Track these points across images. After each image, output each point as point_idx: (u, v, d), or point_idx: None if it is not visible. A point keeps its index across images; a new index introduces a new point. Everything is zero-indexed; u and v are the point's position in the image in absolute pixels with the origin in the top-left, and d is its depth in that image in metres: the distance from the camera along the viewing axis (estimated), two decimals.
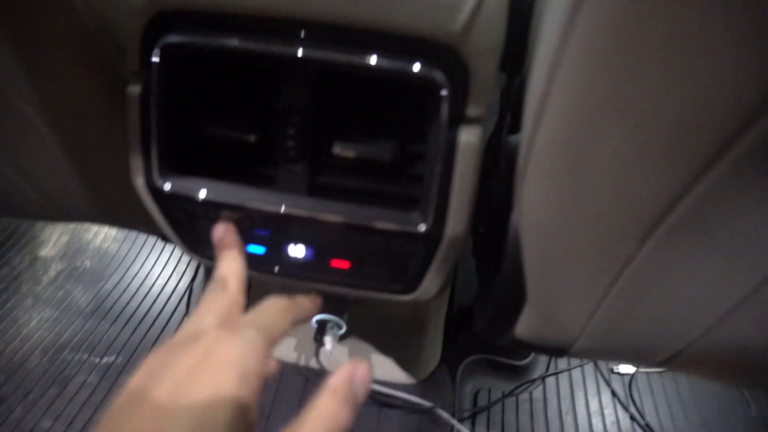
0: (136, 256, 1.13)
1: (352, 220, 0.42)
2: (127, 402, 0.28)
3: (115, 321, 1.02)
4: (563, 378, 1.01)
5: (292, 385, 0.71)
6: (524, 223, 0.40)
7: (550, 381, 1.00)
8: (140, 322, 1.02)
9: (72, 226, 1.17)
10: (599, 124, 0.29)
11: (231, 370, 0.29)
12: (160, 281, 1.10)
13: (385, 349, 0.73)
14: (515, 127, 0.45)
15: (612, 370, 1.02)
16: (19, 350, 0.97)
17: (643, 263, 0.34)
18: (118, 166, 0.51)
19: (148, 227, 0.64)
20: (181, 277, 1.10)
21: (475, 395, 0.96)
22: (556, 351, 0.54)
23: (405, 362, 0.72)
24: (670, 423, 0.95)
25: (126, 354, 0.98)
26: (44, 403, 0.90)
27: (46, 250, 1.13)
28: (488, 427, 0.92)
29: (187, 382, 0.28)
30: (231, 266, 0.38)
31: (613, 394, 0.99)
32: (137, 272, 1.11)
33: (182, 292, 1.08)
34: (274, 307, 0.35)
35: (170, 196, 0.43)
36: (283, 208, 0.42)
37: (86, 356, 0.97)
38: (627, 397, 0.99)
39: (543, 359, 1.03)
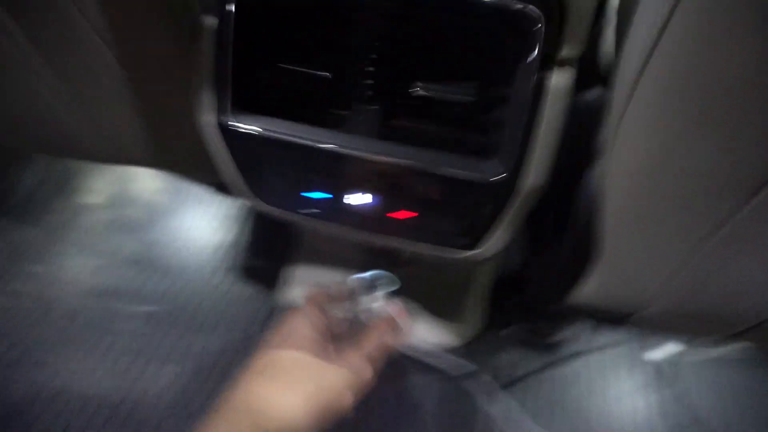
0: (182, 210, 1.13)
1: (426, 166, 0.40)
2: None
3: (157, 271, 1.03)
4: (602, 355, 0.98)
5: None
6: (611, 177, 0.37)
7: (589, 357, 0.98)
8: (182, 273, 1.03)
9: (116, 175, 1.18)
10: (723, 63, 0.26)
11: None
12: (205, 234, 1.10)
13: (430, 310, 0.71)
14: (584, 82, 0.42)
15: (647, 352, 0.99)
16: (63, 295, 0.99)
17: (740, 223, 0.32)
18: (179, 108, 0.50)
19: (203, 175, 0.63)
20: (227, 233, 1.10)
21: (511, 366, 0.95)
22: (619, 318, 0.52)
23: (450, 325, 0.71)
24: (719, 414, 0.92)
25: (167, 304, 0.99)
26: (87, 348, 0.92)
27: (91, 199, 1.14)
28: (525, 397, 0.91)
29: None
30: None
31: (655, 382, 0.96)
32: (181, 224, 1.11)
33: (226, 247, 1.08)
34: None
35: (240, 134, 0.42)
36: (353, 151, 0.40)
37: (128, 305, 0.98)
38: (670, 382, 0.95)
39: (579, 335, 1.00)
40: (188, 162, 0.59)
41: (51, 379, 0.88)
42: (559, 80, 0.36)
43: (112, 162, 0.62)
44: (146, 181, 1.18)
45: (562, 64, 0.36)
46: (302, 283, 0.76)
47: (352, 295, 0.49)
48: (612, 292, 0.44)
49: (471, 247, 0.46)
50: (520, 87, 0.36)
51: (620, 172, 0.37)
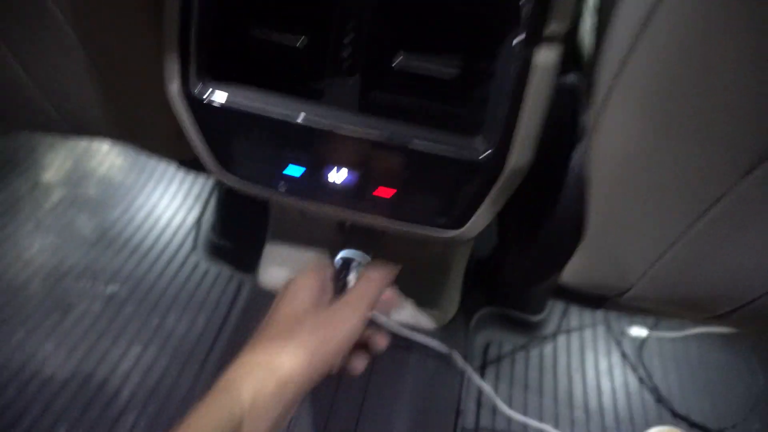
0: (143, 187, 1.09)
1: (407, 142, 0.38)
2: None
3: (119, 251, 0.99)
4: (574, 336, 1.00)
5: None
6: (597, 156, 0.37)
7: (561, 338, 0.99)
8: (146, 254, 0.99)
9: (76, 151, 1.12)
10: (714, 42, 0.25)
11: None
12: (168, 214, 1.06)
13: (407, 292, 0.70)
14: (566, 64, 0.41)
15: (623, 332, 1.02)
16: (20, 275, 0.94)
17: (726, 208, 0.31)
18: (141, 78, 0.47)
19: (167, 149, 0.60)
20: (189, 212, 1.06)
21: (486, 347, 0.95)
22: (600, 299, 0.52)
23: (426, 307, 0.70)
24: (677, 387, 0.95)
25: (130, 284, 0.95)
26: (46, 328, 0.88)
27: (49, 176, 1.09)
28: (497, 379, 0.92)
29: None
30: None
31: (623, 355, 0.98)
32: (143, 204, 1.07)
33: (189, 227, 1.04)
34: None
35: (207, 104, 0.39)
36: (330, 124, 0.38)
37: (89, 285, 0.94)
38: (637, 359, 0.98)
39: (555, 316, 1.01)
40: (151, 135, 0.56)
41: (8, 360, 0.84)
42: (546, 56, 0.35)
43: (74, 134, 0.58)
44: (105, 158, 1.13)
45: (549, 40, 0.35)
46: (277, 262, 0.74)
47: (338, 276, 0.50)
48: (594, 274, 0.44)
49: (454, 226, 0.44)
50: (507, 62, 0.35)
51: (604, 155, 0.36)
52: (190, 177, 1.10)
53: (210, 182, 1.09)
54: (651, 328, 1.01)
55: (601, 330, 1.01)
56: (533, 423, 0.85)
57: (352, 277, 0.56)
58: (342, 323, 0.41)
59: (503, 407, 0.84)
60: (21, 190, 1.05)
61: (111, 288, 0.94)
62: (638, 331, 1.01)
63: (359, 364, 0.47)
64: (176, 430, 0.34)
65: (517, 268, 0.56)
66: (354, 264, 0.56)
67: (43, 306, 0.91)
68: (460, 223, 0.44)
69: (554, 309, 1.02)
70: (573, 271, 0.45)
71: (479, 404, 0.86)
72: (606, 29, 0.34)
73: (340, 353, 0.41)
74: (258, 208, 0.98)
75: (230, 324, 0.91)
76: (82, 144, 1.13)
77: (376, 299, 0.45)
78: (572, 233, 0.42)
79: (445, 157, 0.38)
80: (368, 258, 0.53)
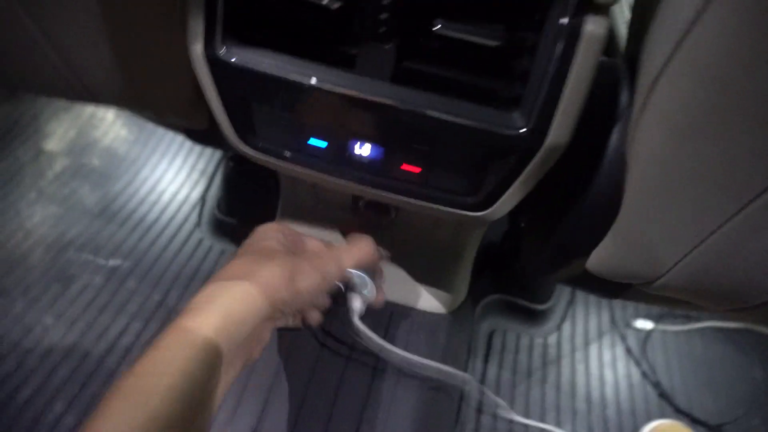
0: (148, 160, 1.07)
1: (442, 115, 0.36)
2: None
3: (123, 224, 0.97)
4: (579, 327, 0.99)
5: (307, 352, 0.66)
6: (639, 140, 0.35)
7: (566, 328, 0.99)
8: (149, 228, 0.98)
9: (80, 121, 1.10)
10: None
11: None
12: (172, 188, 1.04)
13: (415, 275, 0.69)
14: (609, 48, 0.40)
15: (628, 323, 1.01)
16: (21, 245, 0.92)
17: None
18: (160, 43, 0.45)
19: (180, 118, 0.58)
20: (194, 187, 1.05)
21: (490, 335, 0.95)
22: (619, 288, 0.51)
23: (436, 291, 0.69)
24: (679, 381, 0.95)
25: (133, 258, 0.94)
26: (47, 301, 0.87)
27: (52, 144, 1.07)
28: (500, 367, 0.91)
29: None
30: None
31: (628, 350, 0.98)
32: (148, 177, 1.05)
33: (194, 202, 1.03)
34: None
35: (231, 68, 0.38)
36: (360, 93, 0.37)
37: (91, 257, 0.93)
38: (641, 352, 0.97)
39: (561, 306, 1.01)
40: (166, 103, 0.55)
41: (8, 331, 0.83)
42: (595, 26, 0.33)
43: (87, 100, 0.57)
44: (110, 129, 1.11)
45: (598, 10, 0.34)
46: None
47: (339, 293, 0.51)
48: (622, 261, 0.43)
49: (479, 207, 0.43)
50: (553, 32, 0.33)
51: (647, 139, 0.35)
52: (196, 151, 1.08)
53: (216, 157, 1.07)
54: (656, 321, 1.01)
55: (605, 321, 1.01)
56: (534, 423, 0.84)
57: (354, 299, 0.53)
58: (322, 264, 0.44)
59: (505, 412, 0.84)
60: (23, 158, 1.03)
61: (113, 261, 0.93)
62: (643, 324, 1.01)
63: (317, 316, 0.50)
64: (132, 367, 0.33)
65: (537, 253, 0.55)
66: (356, 282, 0.53)
67: (44, 278, 0.89)
68: (486, 204, 0.43)
69: (560, 299, 1.01)
70: (599, 258, 0.44)
71: (481, 401, 0.85)
72: (653, 15, 0.33)
73: (313, 292, 0.42)
74: (264, 185, 0.96)
75: None
76: (86, 113, 1.11)
77: (357, 263, 0.48)
78: (604, 217, 0.41)
79: (480, 132, 0.36)
80: (367, 279, 0.51)
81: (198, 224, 1.00)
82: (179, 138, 1.09)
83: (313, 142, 0.41)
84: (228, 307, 0.36)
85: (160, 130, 1.10)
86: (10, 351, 0.81)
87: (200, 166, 1.07)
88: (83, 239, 0.95)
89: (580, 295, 1.04)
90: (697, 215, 0.34)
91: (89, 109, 1.11)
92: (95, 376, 0.80)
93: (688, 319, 1.02)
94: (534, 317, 0.97)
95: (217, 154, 1.07)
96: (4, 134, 1.06)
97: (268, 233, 0.47)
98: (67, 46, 0.46)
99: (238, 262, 0.41)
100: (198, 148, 1.08)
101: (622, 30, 0.48)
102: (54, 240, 0.94)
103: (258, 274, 0.38)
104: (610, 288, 0.52)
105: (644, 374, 0.95)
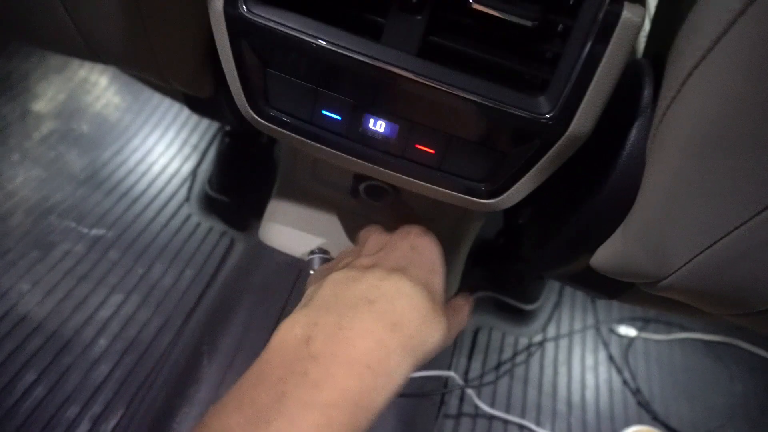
0: (139, 130, 1.04)
1: (466, 93, 0.35)
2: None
3: (109, 193, 0.94)
4: (564, 329, 1.00)
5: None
6: (662, 137, 0.34)
7: (551, 330, 0.99)
8: (136, 199, 0.95)
9: (71, 84, 1.06)
10: None
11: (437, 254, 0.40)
12: (162, 161, 1.01)
13: None
14: None
15: (611, 329, 1.01)
16: (1, 206, 0.89)
17: None
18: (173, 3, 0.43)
19: (183, 83, 0.56)
20: (185, 161, 1.02)
21: (476, 333, 0.94)
22: (619, 287, 0.50)
23: None
24: (659, 389, 0.96)
25: (117, 229, 0.91)
26: (24, 266, 0.84)
27: (40, 105, 1.03)
28: (484, 364, 0.91)
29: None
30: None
31: (610, 356, 0.98)
32: (138, 146, 1.02)
33: (184, 176, 1.00)
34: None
35: (252, 26, 0.36)
36: (384, 65, 0.35)
37: (74, 225, 0.90)
38: (623, 359, 0.98)
39: (547, 307, 1.01)
40: (173, 66, 0.53)
41: None
42: (631, 15, 0.33)
43: (85, 57, 0.54)
44: (103, 95, 1.07)
45: None
46: (281, 219, 0.70)
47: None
48: (631, 259, 0.42)
49: (491, 195, 0.42)
50: (589, 16, 0.32)
51: (670, 137, 0.34)
52: (189, 125, 1.05)
53: (209, 133, 1.05)
54: (639, 329, 1.02)
55: (589, 325, 1.01)
56: (514, 419, 0.84)
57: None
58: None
59: (483, 406, 0.84)
60: (10, 117, 0.99)
61: (96, 231, 0.90)
62: (626, 330, 1.01)
63: None
64: None
65: (539, 248, 0.54)
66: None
67: (22, 241, 0.86)
68: (498, 192, 0.42)
69: (547, 300, 1.01)
70: (605, 254, 0.43)
71: (462, 399, 0.85)
72: (685, 13, 0.32)
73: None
74: (259, 163, 0.94)
75: (218, 281, 0.88)
76: (78, 77, 1.07)
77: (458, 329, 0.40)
78: (616, 213, 0.40)
79: (503, 114, 0.35)
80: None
81: (187, 199, 0.97)
82: (173, 109, 1.06)
83: (328, 114, 0.40)
84: None
85: (154, 100, 1.07)
86: None
87: (193, 140, 1.04)
88: (66, 205, 0.91)
89: (567, 297, 1.04)
90: (713, 217, 0.34)
91: (82, 73, 1.08)
92: (70, 347, 0.78)
93: (671, 328, 1.03)
94: (521, 317, 0.97)
95: (211, 129, 1.05)
96: None
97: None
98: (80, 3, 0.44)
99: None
100: (191, 121, 1.05)
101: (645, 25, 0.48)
102: (36, 204, 0.91)
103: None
104: (610, 287, 0.52)
105: (625, 381, 0.95)
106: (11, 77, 1.03)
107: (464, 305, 0.42)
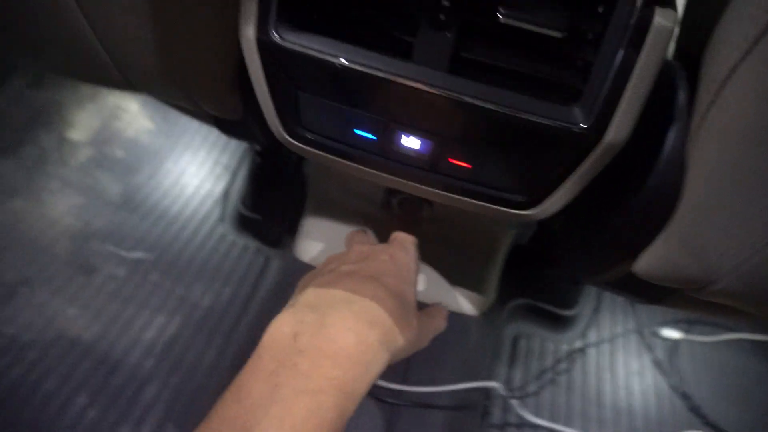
0: (171, 153, 1.06)
1: (500, 107, 0.35)
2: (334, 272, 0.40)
3: (146, 216, 0.96)
4: (605, 334, 0.98)
5: None
6: (703, 140, 0.34)
7: (592, 335, 0.97)
8: (172, 221, 0.97)
9: (104, 111, 1.09)
10: None
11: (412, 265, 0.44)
12: (195, 182, 1.03)
13: (446, 275, 0.68)
14: None
15: (655, 333, 0.99)
16: (45, 234, 0.92)
17: None
18: (203, 28, 0.44)
19: (214, 107, 0.57)
20: (217, 181, 1.04)
21: (515, 341, 0.93)
22: (666, 292, 0.49)
23: (466, 292, 0.68)
24: (707, 393, 0.93)
25: (156, 251, 0.93)
26: (70, 291, 0.86)
27: (76, 134, 1.06)
28: (526, 374, 0.90)
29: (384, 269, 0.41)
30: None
31: (655, 360, 0.95)
32: (171, 169, 1.04)
33: (217, 196, 1.02)
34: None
35: (284, 52, 0.36)
36: (417, 83, 0.35)
37: (115, 248, 0.92)
38: (669, 362, 0.95)
39: (586, 312, 0.99)
40: (203, 90, 0.53)
41: (32, 321, 0.82)
42: (665, 20, 0.32)
43: (119, 87, 0.55)
44: (134, 120, 1.10)
45: (668, 2, 0.32)
46: (315, 236, 0.71)
47: None
48: (676, 265, 0.41)
49: (528, 206, 0.41)
50: (620, 23, 0.32)
51: (712, 140, 0.33)
52: (219, 145, 1.07)
53: (239, 152, 1.06)
54: (684, 330, 0.99)
55: (631, 329, 0.99)
56: (559, 428, 0.83)
57: None
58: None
59: (527, 416, 0.83)
60: (47, 146, 1.02)
61: (136, 254, 0.92)
62: (670, 333, 0.99)
63: None
64: None
65: (576, 256, 0.54)
66: None
67: (67, 268, 0.88)
68: (535, 202, 0.41)
69: (586, 305, 0.99)
70: (649, 261, 0.42)
71: (506, 409, 0.84)
72: (719, 13, 0.32)
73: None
74: (290, 181, 0.95)
75: (257, 299, 0.89)
76: (110, 104, 1.10)
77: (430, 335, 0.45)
78: (658, 219, 0.39)
79: (538, 126, 0.35)
80: None
81: (221, 219, 0.98)
82: (202, 131, 1.08)
83: (362, 133, 0.40)
84: None
85: (183, 123, 1.09)
86: (33, 341, 0.80)
87: (224, 160, 1.06)
88: (106, 230, 0.94)
89: (606, 301, 1.02)
90: (762, 218, 0.33)
91: (113, 100, 1.11)
92: (118, 368, 0.80)
93: (717, 329, 1.00)
94: (560, 323, 0.96)
95: (240, 148, 1.06)
96: (28, 121, 1.06)
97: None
98: (110, 32, 0.45)
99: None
100: (220, 142, 1.07)
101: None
102: (77, 229, 0.93)
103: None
104: (653, 293, 0.51)
105: (672, 385, 0.93)
106: (46, 107, 1.06)
107: (439, 311, 0.46)
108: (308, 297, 0.36)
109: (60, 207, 0.95)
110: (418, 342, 0.41)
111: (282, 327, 0.33)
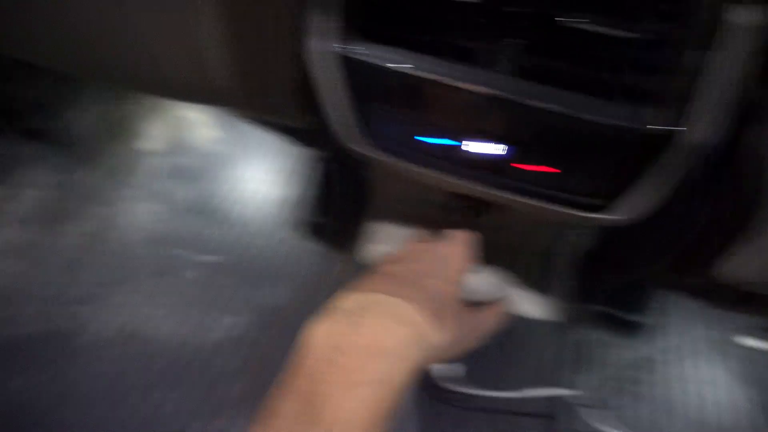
0: (239, 160, 1.11)
1: (569, 110, 0.35)
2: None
3: (219, 223, 1.02)
4: (673, 341, 0.94)
5: None
6: None
7: (659, 342, 0.93)
8: (241, 225, 1.01)
9: (174, 122, 1.15)
10: None
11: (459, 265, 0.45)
12: (265, 188, 1.08)
13: (512, 281, 0.67)
14: None
15: (729, 340, 0.94)
16: (121, 238, 0.98)
17: None
18: (270, 39, 0.46)
19: (286, 117, 0.59)
20: (285, 187, 1.07)
21: (581, 347, 0.91)
22: (748, 297, 0.47)
23: (531, 298, 0.67)
24: None
25: (230, 255, 0.98)
26: (145, 292, 0.91)
27: (148, 144, 1.12)
28: (592, 381, 0.87)
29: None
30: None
31: (730, 368, 0.91)
32: (240, 176, 1.09)
33: (287, 202, 1.05)
34: None
35: (351, 61, 0.38)
36: (488, 88, 0.36)
37: (192, 253, 0.97)
38: (745, 371, 0.90)
39: (653, 318, 0.95)
40: (270, 101, 0.55)
41: (109, 320, 0.88)
42: (747, 17, 0.31)
43: (191, 99, 0.58)
44: (203, 130, 1.15)
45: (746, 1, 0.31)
46: (380, 239, 0.72)
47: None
48: (757, 269, 0.39)
49: (609, 211, 0.40)
50: (698, 21, 0.31)
51: None
52: (285, 152, 1.11)
53: (305, 158, 1.10)
54: (762, 337, 0.93)
55: (701, 336, 0.94)
56: None
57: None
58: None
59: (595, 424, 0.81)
60: (122, 157, 1.09)
61: (207, 257, 0.96)
62: (746, 340, 0.93)
63: None
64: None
65: (651, 261, 0.52)
66: None
67: (145, 271, 0.94)
68: (607, 204, 0.40)
69: (653, 310, 0.96)
70: (732, 265, 0.41)
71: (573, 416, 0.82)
72: None
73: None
74: (355, 185, 0.97)
75: (322, 301, 0.91)
76: (178, 114, 1.16)
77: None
78: (739, 222, 0.38)
79: (615, 129, 0.35)
80: None
81: (289, 224, 1.02)
82: (267, 139, 1.12)
83: (431, 140, 0.41)
84: None
85: (248, 131, 1.13)
86: (112, 339, 0.86)
87: (290, 166, 1.10)
88: (179, 235, 0.99)
89: (673, 307, 0.98)
90: None
91: (181, 111, 1.17)
92: (191, 366, 0.84)
93: None
94: (626, 329, 0.93)
95: (306, 155, 1.10)
96: (102, 134, 1.13)
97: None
98: (193, 50, 0.48)
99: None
100: (286, 149, 1.11)
101: None
102: (151, 235, 0.99)
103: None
104: (735, 297, 0.49)
105: (749, 397, 0.88)
106: (119, 120, 1.13)
107: (490, 311, 0.48)
108: (346, 301, 0.38)
109: (139, 214, 1.01)
110: (462, 341, 0.43)
111: (320, 327, 0.35)
